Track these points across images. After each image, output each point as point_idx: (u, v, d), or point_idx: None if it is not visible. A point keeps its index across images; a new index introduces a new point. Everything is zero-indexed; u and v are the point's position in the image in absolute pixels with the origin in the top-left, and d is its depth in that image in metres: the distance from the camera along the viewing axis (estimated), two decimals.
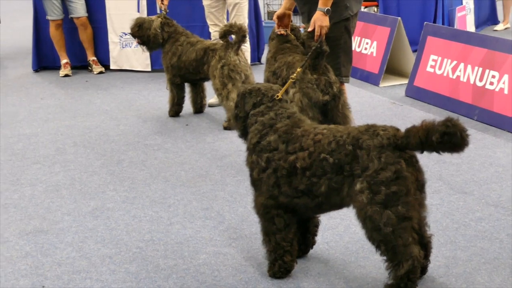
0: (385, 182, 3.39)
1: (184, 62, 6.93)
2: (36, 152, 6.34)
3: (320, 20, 5.08)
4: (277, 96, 3.87)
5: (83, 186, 5.44)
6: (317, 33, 5.07)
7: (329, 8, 5.05)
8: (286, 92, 4.85)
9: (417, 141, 3.36)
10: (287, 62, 5.30)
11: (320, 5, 5.09)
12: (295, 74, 4.47)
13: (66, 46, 9.51)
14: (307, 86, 5.07)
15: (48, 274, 4.08)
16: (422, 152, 3.42)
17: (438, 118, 3.29)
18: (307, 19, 5.39)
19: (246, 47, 7.35)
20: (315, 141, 3.60)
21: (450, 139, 3.26)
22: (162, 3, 7.27)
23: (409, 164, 3.44)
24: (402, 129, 3.52)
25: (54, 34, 9.33)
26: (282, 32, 5.63)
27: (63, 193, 5.33)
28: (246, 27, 6.84)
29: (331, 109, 5.19)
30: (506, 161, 5.53)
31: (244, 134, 3.96)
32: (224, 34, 6.59)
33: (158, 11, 7.56)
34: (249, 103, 3.87)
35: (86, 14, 9.35)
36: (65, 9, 9.30)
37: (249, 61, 7.08)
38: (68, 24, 9.40)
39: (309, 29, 5.15)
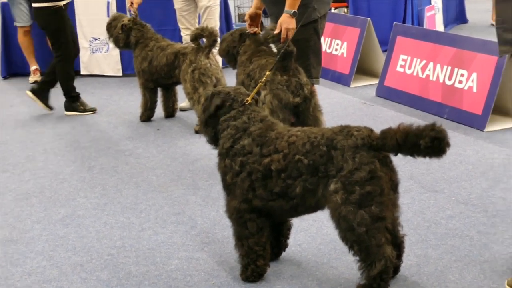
0: (359, 182, 3.39)
1: (155, 67, 6.91)
2: (6, 160, 6.28)
3: (286, 23, 5.06)
4: (247, 100, 3.86)
5: (53, 194, 5.39)
6: (283, 35, 5.05)
7: (296, 10, 5.03)
8: (258, 93, 4.84)
9: (394, 144, 3.36)
10: (260, 65, 5.28)
11: (286, 8, 5.07)
12: (264, 77, 4.44)
13: (35, 52, 9.49)
14: (277, 88, 5.05)
15: (18, 284, 4.03)
16: (396, 155, 3.43)
17: (414, 121, 3.29)
18: (276, 21, 5.38)
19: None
20: (290, 143, 3.59)
21: (439, 144, 3.27)
22: (131, 6, 7.23)
23: (383, 164, 3.44)
24: (374, 128, 3.53)
25: (23, 40, 9.29)
26: (255, 30, 5.64)
27: (33, 201, 5.27)
28: (217, 30, 6.82)
29: (303, 111, 5.18)
30: (476, 159, 5.56)
31: (214, 140, 3.93)
32: (195, 38, 6.57)
33: (128, 15, 7.52)
34: (213, 104, 3.84)
35: None
36: (33, 15, 9.24)
37: (220, 64, 7.06)
38: (37, 30, 9.30)
39: (276, 31, 5.14)
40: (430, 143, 3.27)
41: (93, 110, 7.72)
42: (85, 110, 7.70)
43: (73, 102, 7.71)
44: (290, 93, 5.06)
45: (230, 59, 5.84)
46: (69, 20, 7.59)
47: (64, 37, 7.44)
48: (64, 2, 7.30)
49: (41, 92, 7.64)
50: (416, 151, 3.35)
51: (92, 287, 3.93)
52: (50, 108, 7.73)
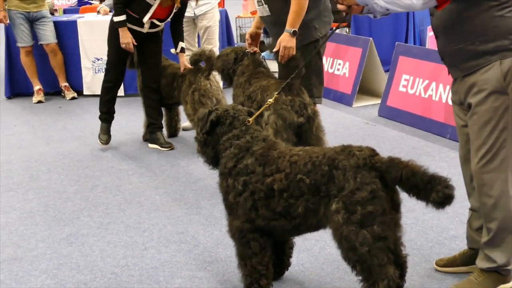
0: (361, 202, 3.39)
1: None
2: (10, 179, 6.31)
3: (285, 41, 5.10)
4: (249, 121, 3.88)
5: (57, 213, 5.41)
6: (281, 53, 5.09)
7: (296, 30, 5.07)
8: (261, 114, 4.88)
9: (397, 176, 3.36)
10: (262, 86, 5.30)
11: (287, 27, 5.10)
12: (273, 99, 4.43)
13: (38, 72, 9.53)
14: (281, 108, 5.07)
15: None
16: (394, 186, 3.45)
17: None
18: (276, 41, 5.41)
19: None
20: (291, 162, 3.60)
21: (449, 201, 3.28)
22: None
23: (385, 184, 3.45)
24: (377, 148, 3.54)
25: (25, 60, 9.34)
26: (255, 49, 5.69)
27: (37, 220, 5.30)
28: (215, 53, 6.85)
29: (306, 131, 5.20)
30: None
31: (213, 160, 3.93)
32: (195, 63, 6.64)
33: None
34: (209, 120, 3.85)
35: (55, 41, 9.36)
36: (35, 36, 9.30)
37: (221, 84, 7.09)
38: (39, 51, 9.40)
39: (274, 50, 5.18)
40: (442, 200, 3.28)
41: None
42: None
43: (152, 133, 7.18)
44: (294, 113, 5.08)
45: (225, 77, 5.90)
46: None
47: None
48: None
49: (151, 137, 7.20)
50: (415, 193, 3.37)
51: None
52: (169, 144, 7.07)
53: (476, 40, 3.45)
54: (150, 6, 6.49)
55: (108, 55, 6.94)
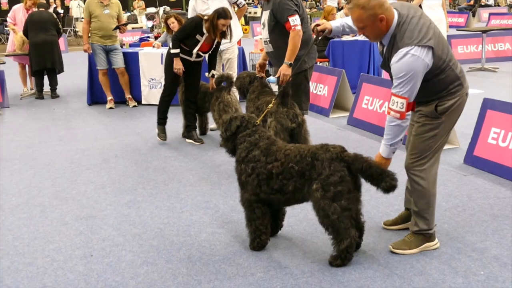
0: (333, 184, 3.41)
1: None
2: (89, 161, 6.32)
3: (284, 70, 5.12)
4: (257, 122, 3.89)
5: (121, 185, 5.41)
6: (281, 79, 5.11)
7: (292, 62, 5.08)
8: (266, 120, 4.92)
9: (359, 167, 3.41)
10: (266, 101, 5.34)
11: (285, 60, 5.14)
12: (270, 105, 4.53)
13: (110, 87, 9.51)
14: (280, 116, 5.09)
15: (95, 247, 4.06)
16: (356, 174, 3.46)
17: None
18: (277, 70, 5.42)
19: (235, 89, 7.38)
20: (286, 154, 3.62)
21: (393, 190, 3.37)
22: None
23: (350, 172, 3.46)
24: (345, 146, 3.57)
25: (102, 79, 9.33)
26: (262, 75, 5.74)
27: (106, 190, 5.30)
28: (233, 76, 6.90)
29: (296, 134, 5.21)
30: None
31: (232, 151, 3.94)
32: (218, 83, 6.66)
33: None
34: (233, 126, 3.87)
35: (123, 66, 9.36)
36: (110, 62, 9.31)
37: (238, 98, 7.09)
38: (112, 72, 9.39)
39: (276, 76, 5.22)
40: (387, 188, 3.35)
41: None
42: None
43: (189, 131, 7.04)
44: (289, 120, 5.10)
45: (241, 92, 5.92)
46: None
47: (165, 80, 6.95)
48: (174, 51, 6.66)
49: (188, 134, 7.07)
50: (370, 181, 3.42)
51: (146, 250, 3.96)
52: (200, 140, 6.95)
53: (426, 93, 3.48)
54: (198, 41, 6.55)
55: (165, 79, 6.92)
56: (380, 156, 3.53)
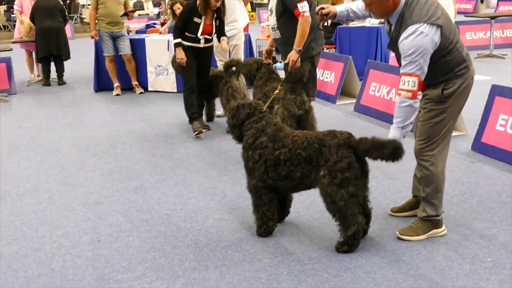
0: (340, 170, 3.40)
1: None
2: (96, 147, 6.33)
3: (293, 56, 5.10)
4: (263, 109, 3.88)
5: (128, 172, 5.42)
6: (290, 65, 5.09)
7: (301, 49, 5.06)
8: (272, 107, 4.92)
9: (365, 148, 3.37)
10: (274, 87, 5.32)
11: (295, 46, 5.11)
12: (277, 91, 4.52)
13: (117, 74, 9.50)
14: (287, 103, 5.10)
15: (103, 232, 4.08)
16: (364, 156, 3.44)
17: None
18: (284, 57, 5.42)
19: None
20: (293, 141, 3.61)
21: (398, 153, 3.31)
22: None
23: (358, 158, 3.45)
24: (352, 133, 3.54)
25: (109, 65, 9.33)
26: (269, 61, 5.75)
27: (114, 176, 5.31)
28: (241, 61, 6.82)
29: (303, 120, 5.21)
30: None
31: (239, 138, 3.93)
32: (227, 67, 6.61)
33: None
34: (243, 113, 3.86)
35: (130, 52, 9.35)
36: (116, 48, 9.30)
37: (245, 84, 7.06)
38: (118, 59, 9.38)
39: (285, 62, 5.20)
40: (392, 152, 3.30)
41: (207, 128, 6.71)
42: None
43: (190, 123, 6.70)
44: (296, 107, 5.10)
45: (248, 79, 5.91)
46: (194, 61, 6.57)
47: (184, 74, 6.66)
48: (186, 43, 6.48)
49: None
50: (380, 156, 3.35)
51: (153, 236, 3.97)
52: (207, 126, 6.67)
53: (433, 75, 3.45)
54: (199, 24, 6.38)
55: (182, 73, 6.63)
56: None
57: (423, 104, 3.59)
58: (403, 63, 3.35)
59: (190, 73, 6.56)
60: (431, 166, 3.60)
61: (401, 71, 3.37)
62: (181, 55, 6.44)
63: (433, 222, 3.73)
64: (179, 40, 6.42)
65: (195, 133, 6.51)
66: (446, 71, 3.45)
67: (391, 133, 3.46)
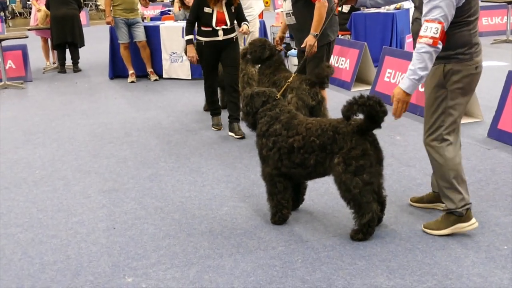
0: (355, 158, 3.38)
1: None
2: (111, 135, 6.34)
3: (310, 41, 5.12)
4: (277, 96, 3.87)
5: (143, 159, 5.43)
6: (307, 49, 5.07)
7: (318, 33, 5.05)
8: (285, 95, 4.92)
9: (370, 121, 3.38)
10: (285, 76, 5.33)
11: (312, 31, 5.14)
12: (291, 79, 4.56)
13: (132, 61, 9.52)
14: (302, 93, 5.13)
15: (118, 220, 4.09)
16: (376, 146, 3.42)
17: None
18: (299, 44, 5.39)
19: None
20: (307, 128, 3.59)
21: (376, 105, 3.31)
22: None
23: (372, 145, 3.43)
24: None
25: (123, 52, 9.34)
26: (281, 48, 5.79)
27: (129, 163, 5.32)
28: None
29: (316, 110, 5.24)
30: None
31: (253, 125, 3.92)
32: (244, 55, 6.53)
33: None
34: (258, 101, 3.84)
35: (145, 39, 9.34)
36: (131, 35, 9.29)
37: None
38: (133, 46, 9.38)
39: (302, 46, 5.19)
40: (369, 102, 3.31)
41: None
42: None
43: (230, 122, 6.26)
44: (310, 97, 5.12)
45: (254, 59, 5.76)
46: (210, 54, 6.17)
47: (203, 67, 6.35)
48: (204, 39, 6.16)
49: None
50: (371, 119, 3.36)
51: (168, 223, 3.97)
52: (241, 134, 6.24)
53: None
54: (211, 14, 5.95)
55: (202, 69, 6.37)
56: (401, 92, 3.28)
57: (426, 89, 3.51)
58: (425, 10, 3.18)
59: (209, 69, 6.26)
60: (439, 157, 3.48)
61: (423, 18, 3.20)
62: (192, 52, 6.12)
63: (456, 215, 3.56)
64: (190, 36, 6.09)
65: (213, 127, 6.43)
66: (447, 47, 3.27)
67: (405, 83, 3.27)
